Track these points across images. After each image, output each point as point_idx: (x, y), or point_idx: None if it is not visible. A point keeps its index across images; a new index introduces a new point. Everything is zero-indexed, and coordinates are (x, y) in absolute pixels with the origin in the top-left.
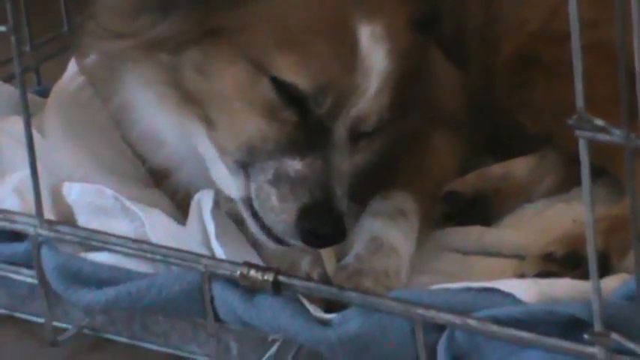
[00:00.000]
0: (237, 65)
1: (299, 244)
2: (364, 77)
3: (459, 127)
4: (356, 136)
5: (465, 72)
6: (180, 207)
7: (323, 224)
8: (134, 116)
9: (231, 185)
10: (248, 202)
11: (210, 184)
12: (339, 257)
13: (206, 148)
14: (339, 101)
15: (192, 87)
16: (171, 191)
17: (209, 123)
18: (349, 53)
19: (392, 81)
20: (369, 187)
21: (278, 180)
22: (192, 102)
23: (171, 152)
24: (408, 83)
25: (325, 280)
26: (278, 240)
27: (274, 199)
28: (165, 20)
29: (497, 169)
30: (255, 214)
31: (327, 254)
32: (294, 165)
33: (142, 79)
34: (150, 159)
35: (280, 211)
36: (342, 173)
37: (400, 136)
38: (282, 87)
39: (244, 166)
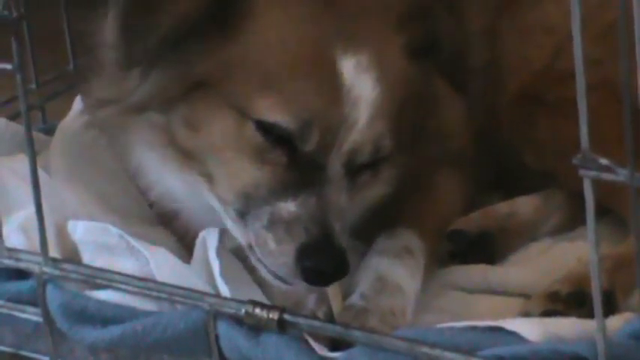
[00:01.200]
0: (223, 114)
1: (303, 284)
2: (352, 109)
3: (464, 165)
4: (354, 170)
5: (466, 102)
6: (187, 247)
7: (323, 261)
8: (146, 182)
9: (237, 233)
10: (251, 248)
11: (216, 225)
12: (345, 295)
13: (212, 202)
14: (328, 136)
15: (186, 143)
16: (180, 233)
17: (208, 177)
18: (333, 87)
19: (386, 109)
20: (374, 224)
21: (273, 224)
22: (190, 159)
23: (179, 200)
24: (409, 112)
25: (331, 318)
26: (286, 281)
27: (271, 243)
28: (147, 81)
29: (502, 208)
30: (259, 259)
31: (333, 293)
32: (287, 207)
33: (143, 144)
34: (158, 204)
35: (279, 254)
36: (339, 209)
37: (409, 171)
38: (267, 129)
39: (243, 214)
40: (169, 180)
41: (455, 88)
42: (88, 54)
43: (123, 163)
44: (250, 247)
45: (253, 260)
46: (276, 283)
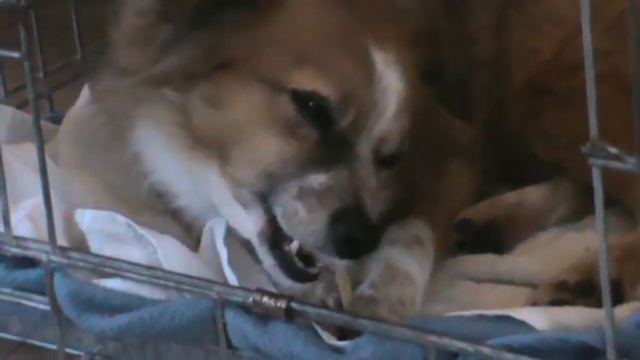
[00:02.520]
0: (252, 89)
1: (329, 257)
2: (382, 96)
3: (473, 157)
4: (379, 160)
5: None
6: (194, 236)
7: (356, 228)
8: (146, 167)
9: (246, 221)
10: (264, 235)
11: (211, 215)
12: (354, 284)
13: (218, 190)
14: (361, 116)
15: (203, 123)
16: (187, 227)
17: (223, 159)
18: (366, 70)
19: (408, 105)
20: (385, 215)
21: (303, 194)
22: (202, 142)
23: (185, 202)
24: (420, 117)
25: (340, 306)
26: (296, 275)
27: (302, 212)
28: (174, 52)
29: (510, 198)
30: (273, 247)
31: (343, 282)
32: (319, 178)
33: (151, 121)
34: (165, 199)
35: (309, 222)
36: (370, 187)
37: (415, 168)
38: (303, 101)
39: (263, 196)
40: (171, 165)
41: (456, 114)
42: (97, 40)
43: (123, 145)
44: (261, 234)
45: (261, 250)
46: (282, 278)
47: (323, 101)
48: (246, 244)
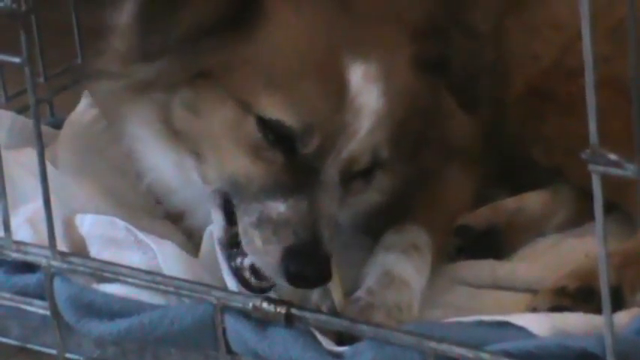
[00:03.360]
0: (225, 105)
1: (285, 284)
2: (354, 117)
3: (472, 161)
4: (348, 177)
5: (475, 115)
6: (194, 241)
7: (307, 266)
8: (140, 165)
9: (214, 223)
10: (222, 242)
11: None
12: (351, 290)
13: (199, 186)
14: (328, 141)
15: (182, 124)
16: (187, 233)
17: (198, 156)
18: (338, 93)
19: (388, 120)
20: (381, 220)
21: (261, 222)
22: (181, 137)
23: (182, 198)
24: (414, 120)
25: (334, 311)
26: (248, 286)
27: (258, 241)
28: (154, 64)
29: (510, 203)
30: (227, 256)
31: (334, 285)
32: (277, 207)
33: (139, 118)
34: (164, 203)
35: (264, 254)
36: (330, 215)
37: (412, 173)
38: (268, 126)
39: (228, 204)
40: (160, 160)
41: (464, 108)
42: (97, 44)
43: (120, 145)
44: (221, 241)
45: (219, 256)
46: (233, 287)
47: (286, 130)
48: None
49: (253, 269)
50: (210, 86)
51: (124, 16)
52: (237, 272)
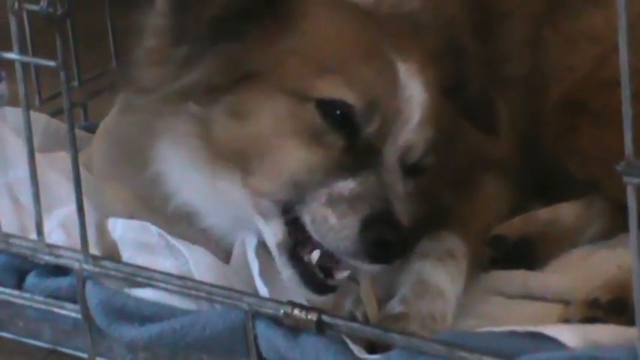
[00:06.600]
0: (276, 100)
1: (359, 263)
2: (406, 105)
3: (508, 172)
4: (405, 168)
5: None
6: (225, 249)
7: (388, 232)
8: (170, 187)
9: (266, 232)
10: (283, 245)
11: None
12: (386, 297)
13: (239, 202)
14: (386, 124)
15: (225, 136)
16: (217, 239)
17: (245, 171)
18: (389, 80)
19: (432, 116)
20: (418, 228)
21: (333, 201)
22: (223, 154)
23: (210, 222)
24: (444, 130)
25: (367, 321)
26: (315, 286)
27: (332, 219)
28: (194, 67)
29: (543, 214)
30: (292, 257)
31: (367, 297)
32: (348, 185)
33: (173, 135)
34: (192, 225)
35: (340, 228)
36: (398, 193)
37: (447, 181)
38: (328, 109)
39: (285, 206)
40: (193, 180)
41: (480, 130)
42: (130, 50)
43: (145, 162)
44: (281, 245)
45: (281, 262)
46: (301, 288)
47: (349, 109)
48: None
49: (321, 266)
50: (256, 86)
51: (159, 4)
52: (304, 271)
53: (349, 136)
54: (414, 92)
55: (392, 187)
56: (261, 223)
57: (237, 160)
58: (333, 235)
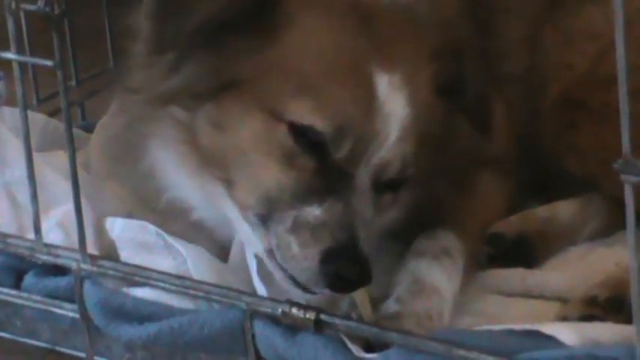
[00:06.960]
0: (254, 116)
1: (324, 291)
2: (384, 123)
3: (506, 170)
4: (379, 186)
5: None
6: (223, 248)
7: (347, 266)
8: (162, 183)
9: (255, 240)
10: (271, 253)
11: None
12: (382, 296)
13: (228, 208)
14: (359, 146)
15: (208, 143)
16: (214, 239)
17: (228, 182)
18: (367, 99)
19: (415, 129)
20: (413, 226)
21: (297, 228)
22: (210, 163)
23: (204, 217)
24: (429, 144)
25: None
26: (305, 288)
27: (294, 247)
28: (177, 73)
29: (541, 212)
30: (279, 265)
31: (360, 298)
32: (313, 211)
33: (162, 139)
34: (184, 218)
35: (302, 258)
36: (365, 219)
37: (443, 179)
38: (299, 132)
39: (264, 219)
40: (183, 182)
41: (477, 129)
42: (126, 51)
43: (138, 160)
44: (269, 252)
45: (271, 266)
46: (292, 289)
47: (318, 135)
48: None
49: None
50: (236, 99)
51: (143, 11)
52: (290, 277)
53: (320, 160)
54: (394, 107)
55: (360, 214)
56: (248, 233)
57: (221, 169)
58: (295, 263)
